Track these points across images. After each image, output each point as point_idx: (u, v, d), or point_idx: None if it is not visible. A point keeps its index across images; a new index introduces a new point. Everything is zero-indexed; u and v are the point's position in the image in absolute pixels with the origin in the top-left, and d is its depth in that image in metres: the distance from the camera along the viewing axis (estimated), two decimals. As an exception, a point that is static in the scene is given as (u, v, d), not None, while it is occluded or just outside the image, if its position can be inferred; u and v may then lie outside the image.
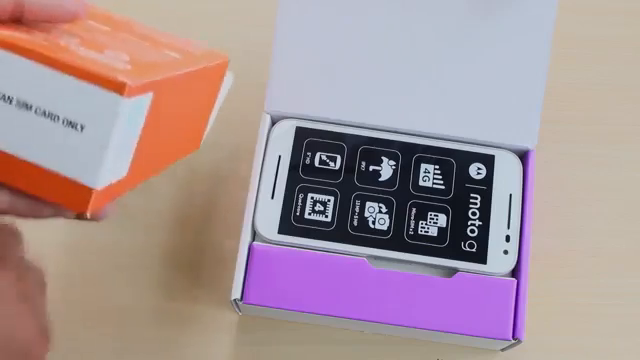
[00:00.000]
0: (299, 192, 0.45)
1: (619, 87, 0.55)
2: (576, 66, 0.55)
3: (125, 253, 0.50)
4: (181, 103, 0.34)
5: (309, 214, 0.45)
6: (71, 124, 0.26)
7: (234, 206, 0.49)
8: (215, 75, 0.39)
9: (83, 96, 0.26)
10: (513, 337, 0.43)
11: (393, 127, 0.47)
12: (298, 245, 0.44)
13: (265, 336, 0.48)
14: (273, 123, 0.47)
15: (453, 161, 0.47)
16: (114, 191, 0.29)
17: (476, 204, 0.46)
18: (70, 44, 0.28)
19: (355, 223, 0.45)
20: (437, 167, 0.46)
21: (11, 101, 0.26)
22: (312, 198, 0.45)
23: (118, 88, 0.25)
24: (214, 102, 0.40)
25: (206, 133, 0.41)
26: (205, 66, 0.36)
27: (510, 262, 0.44)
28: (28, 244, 0.30)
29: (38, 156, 0.27)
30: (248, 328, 0.48)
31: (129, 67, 0.28)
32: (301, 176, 0.46)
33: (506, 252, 0.45)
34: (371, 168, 0.46)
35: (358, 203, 0.45)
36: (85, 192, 0.27)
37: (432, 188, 0.46)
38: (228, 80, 0.41)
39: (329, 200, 0.45)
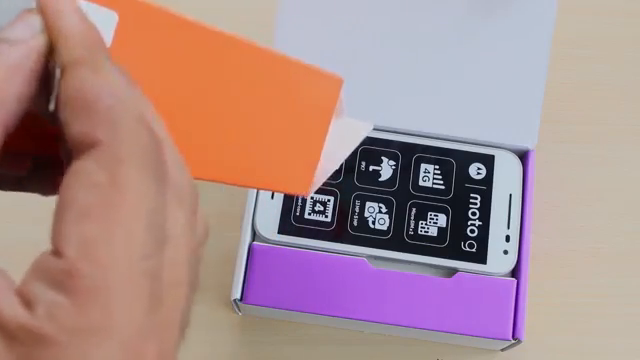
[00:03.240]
0: (299, 192, 0.45)
1: (619, 87, 0.55)
2: (576, 66, 0.55)
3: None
4: (202, 72, 0.27)
5: (309, 214, 0.45)
6: None
7: (234, 206, 0.49)
8: (307, 89, 0.28)
9: None
10: (513, 337, 0.43)
11: (393, 127, 0.47)
12: (298, 245, 0.44)
13: (265, 336, 0.48)
14: (273, 123, 0.47)
15: (453, 161, 0.47)
16: None
17: (476, 204, 0.46)
18: None
19: (355, 223, 0.45)
20: (437, 167, 0.46)
21: None
22: (312, 198, 0.45)
23: None
24: (321, 137, 0.29)
25: (319, 180, 0.29)
26: (258, 48, 0.27)
27: (510, 262, 0.44)
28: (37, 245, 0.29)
29: None
30: (248, 328, 0.48)
31: None
32: (301, 176, 0.46)
33: (506, 252, 0.45)
34: (371, 168, 0.46)
35: (358, 203, 0.45)
36: None
37: (432, 188, 0.46)
38: (359, 127, 0.33)
39: (329, 200, 0.45)
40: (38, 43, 0.21)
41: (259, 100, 0.28)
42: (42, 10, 0.22)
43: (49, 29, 0.22)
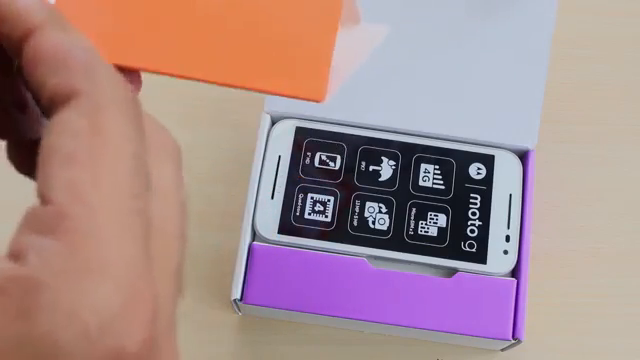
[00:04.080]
0: (299, 192, 0.45)
1: (619, 87, 0.55)
2: (576, 66, 0.55)
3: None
4: None
5: (309, 214, 0.45)
6: None
7: (234, 206, 0.49)
8: None
9: None
10: (513, 337, 0.43)
11: (393, 127, 0.47)
12: (298, 245, 0.44)
13: (265, 336, 0.48)
14: (273, 123, 0.47)
15: (453, 161, 0.47)
16: None
17: (476, 204, 0.46)
18: None
19: (355, 223, 0.45)
20: (437, 167, 0.46)
21: None
22: (312, 198, 0.45)
23: None
24: (331, 36, 0.27)
25: (337, 83, 0.28)
26: None
27: (510, 262, 0.44)
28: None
29: None
30: (248, 328, 0.48)
31: None
32: (301, 176, 0.46)
33: (506, 252, 0.45)
34: (371, 168, 0.46)
35: (358, 203, 0.45)
36: None
37: (432, 188, 0.46)
38: (374, 32, 0.32)
39: (329, 200, 0.45)
40: None
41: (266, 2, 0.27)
42: None
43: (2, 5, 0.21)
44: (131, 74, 0.25)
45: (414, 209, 0.45)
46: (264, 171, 0.46)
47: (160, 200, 0.21)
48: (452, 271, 0.44)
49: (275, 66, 0.26)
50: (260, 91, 0.26)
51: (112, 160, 0.20)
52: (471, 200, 0.46)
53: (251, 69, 0.26)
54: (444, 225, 0.45)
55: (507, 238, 0.45)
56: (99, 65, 0.21)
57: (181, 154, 0.23)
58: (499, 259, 0.44)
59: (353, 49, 0.29)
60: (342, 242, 0.44)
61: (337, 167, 0.46)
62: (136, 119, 0.21)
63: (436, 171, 0.46)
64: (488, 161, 0.47)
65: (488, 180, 0.46)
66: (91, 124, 0.20)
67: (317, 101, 0.25)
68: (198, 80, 0.25)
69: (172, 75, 0.25)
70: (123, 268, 0.19)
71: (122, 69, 0.24)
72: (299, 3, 0.27)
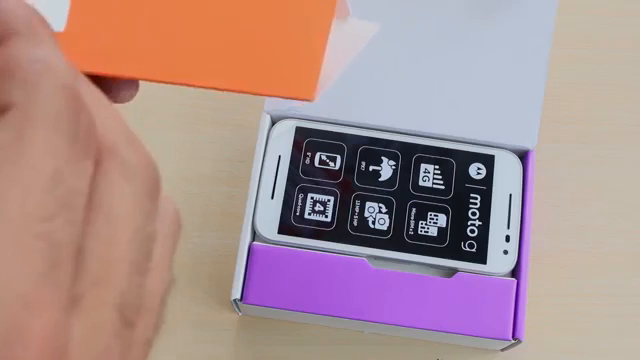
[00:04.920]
0: (299, 192, 0.45)
1: (619, 87, 0.55)
2: (576, 66, 0.55)
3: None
4: None
5: (309, 214, 0.45)
6: None
7: (234, 206, 0.49)
8: None
9: None
10: (513, 337, 0.43)
11: (393, 127, 0.47)
12: (298, 245, 0.44)
13: (265, 336, 0.48)
14: (273, 123, 0.47)
15: (453, 161, 0.47)
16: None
17: (476, 204, 0.46)
18: None
19: (355, 223, 0.45)
20: (437, 167, 0.46)
21: None
22: (312, 198, 0.45)
23: None
24: (323, 35, 0.27)
25: (327, 81, 0.27)
26: None
27: (510, 262, 0.44)
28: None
29: None
30: (248, 328, 0.48)
31: None
32: (301, 176, 0.46)
33: (506, 252, 0.45)
34: (371, 168, 0.46)
35: (358, 203, 0.45)
36: None
37: (432, 188, 0.46)
38: (364, 28, 0.32)
39: (329, 200, 0.45)
40: None
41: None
42: None
43: None
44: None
45: (414, 209, 0.45)
46: (264, 171, 0.46)
47: (104, 222, 0.20)
48: (452, 271, 0.44)
49: (264, 68, 0.26)
50: (249, 93, 0.26)
51: (26, 176, 0.18)
52: (471, 200, 0.46)
53: (239, 71, 0.26)
54: (444, 225, 0.45)
55: (507, 238, 0.45)
56: (46, 79, 0.19)
57: (158, 184, 0.22)
58: (499, 259, 0.44)
59: (342, 45, 0.28)
60: (342, 242, 0.44)
61: (337, 167, 0.46)
62: (73, 134, 0.19)
63: (436, 171, 0.46)
64: (488, 161, 0.47)
65: (488, 180, 0.46)
66: (15, 137, 0.18)
67: (308, 100, 0.25)
68: (185, 85, 0.24)
69: (158, 82, 0.25)
70: (9, 297, 0.17)
71: (104, 78, 0.23)
72: (291, 4, 0.26)
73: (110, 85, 0.25)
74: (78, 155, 0.19)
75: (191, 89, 0.26)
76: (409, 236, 0.45)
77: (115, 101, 0.26)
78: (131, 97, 0.26)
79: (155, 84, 0.27)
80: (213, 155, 0.52)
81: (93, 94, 0.21)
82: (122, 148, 0.21)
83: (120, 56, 0.25)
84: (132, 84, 0.25)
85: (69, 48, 0.22)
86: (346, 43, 0.29)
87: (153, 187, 0.22)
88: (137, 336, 0.21)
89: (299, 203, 0.45)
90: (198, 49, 0.25)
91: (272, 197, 0.45)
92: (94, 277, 0.19)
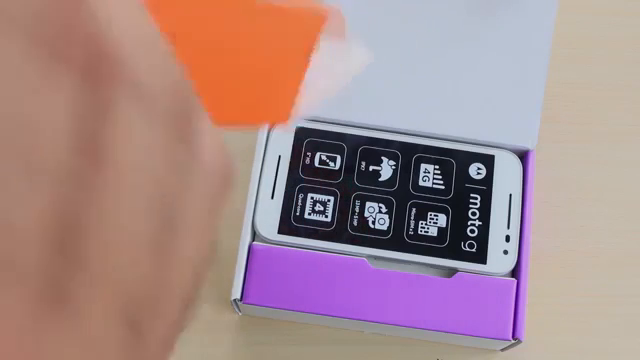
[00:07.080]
0: (299, 192, 0.45)
1: (619, 87, 0.55)
2: (576, 66, 0.55)
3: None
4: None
5: (309, 214, 0.45)
6: None
7: (234, 206, 0.49)
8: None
9: None
10: (513, 337, 0.43)
11: (393, 127, 0.47)
12: (298, 245, 0.44)
13: (265, 336, 0.48)
14: (273, 123, 0.47)
15: (453, 161, 0.47)
16: None
17: (476, 204, 0.46)
18: None
19: (355, 223, 0.45)
20: (437, 167, 0.46)
21: None
22: (312, 198, 0.45)
23: None
24: (302, 60, 0.26)
25: (312, 102, 0.27)
26: None
27: (510, 262, 0.44)
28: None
29: None
30: (248, 328, 0.48)
31: None
32: (301, 176, 0.46)
33: (506, 252, 0.45)
34: (371, 168, 0.46)
35: (358, 203, 0.45)
36: None
37: (432, 188, 0.46)
38: (357, 55, 0.31)
39: (329, 200, 0.45)
40: None
41: (237, 39, 0.25)
42: None
43: None
44: None
45: (414, 209, 0.45)
46: (264, 171, 0.46)
47: (103, 185, 0.13)
48: (452, 271, 0.44)
49: (247, 104, 0.25)
50: (233, 126, 0.25)
51: None
52: (471, 200, 0.46)
53: (214, 106, 0.25)
54: (444, 225, 0.45)
55: (507, 238, 0.45)
56: None
57: (188, 116, 0.15)
58: (499, 259, 0.44)
59: (333, 68, 0.28)
60: (342, 242, 0.44)
61: (337, 167, 0.46)
62: (53, 41, 0.12)
63: (436, 171, 0.46)
64: (488, 161, 0.47)
65: (488, 180, 0.46)
66: None
67: (283, 124, 0.25)
68: None
69: None
70: None
71: None
72: (273, 48, 0.25)
73: None
74: (45, 62, 0.12)
75: None
76: (409, 236, 0.45)
77: None
78: None
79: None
80: (213, 155, 0.52)
81: None
82: (137, 59, 0.14)
83: None
84: None
85: None
86: (335, 67, 0.29)
87: (183, 120, 0.14)
88: (152, 343, 0.14)
89: (299, 203, 0.45)
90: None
91: (272, 197, 0.45)
92: (89, 268, 0.13)
